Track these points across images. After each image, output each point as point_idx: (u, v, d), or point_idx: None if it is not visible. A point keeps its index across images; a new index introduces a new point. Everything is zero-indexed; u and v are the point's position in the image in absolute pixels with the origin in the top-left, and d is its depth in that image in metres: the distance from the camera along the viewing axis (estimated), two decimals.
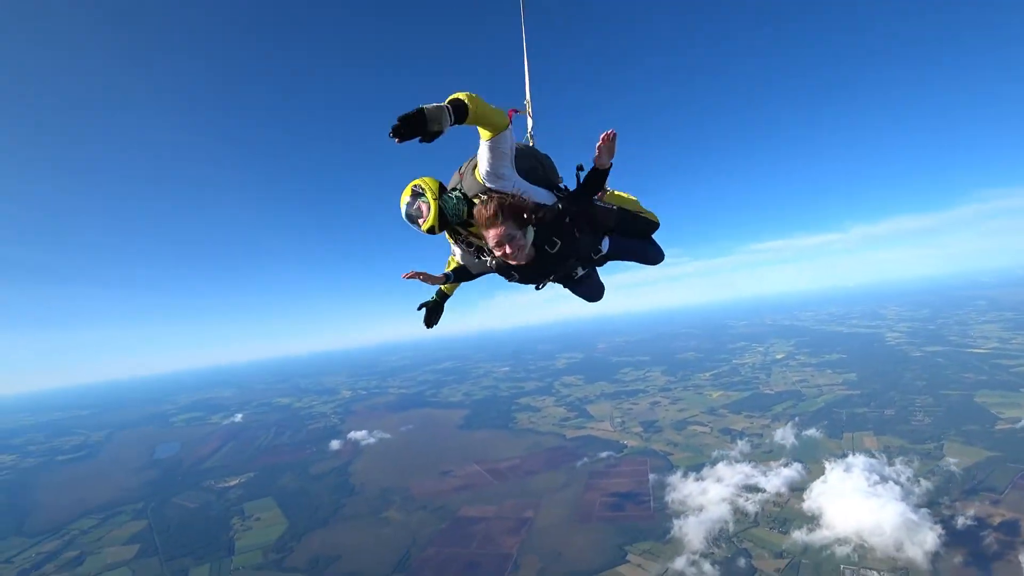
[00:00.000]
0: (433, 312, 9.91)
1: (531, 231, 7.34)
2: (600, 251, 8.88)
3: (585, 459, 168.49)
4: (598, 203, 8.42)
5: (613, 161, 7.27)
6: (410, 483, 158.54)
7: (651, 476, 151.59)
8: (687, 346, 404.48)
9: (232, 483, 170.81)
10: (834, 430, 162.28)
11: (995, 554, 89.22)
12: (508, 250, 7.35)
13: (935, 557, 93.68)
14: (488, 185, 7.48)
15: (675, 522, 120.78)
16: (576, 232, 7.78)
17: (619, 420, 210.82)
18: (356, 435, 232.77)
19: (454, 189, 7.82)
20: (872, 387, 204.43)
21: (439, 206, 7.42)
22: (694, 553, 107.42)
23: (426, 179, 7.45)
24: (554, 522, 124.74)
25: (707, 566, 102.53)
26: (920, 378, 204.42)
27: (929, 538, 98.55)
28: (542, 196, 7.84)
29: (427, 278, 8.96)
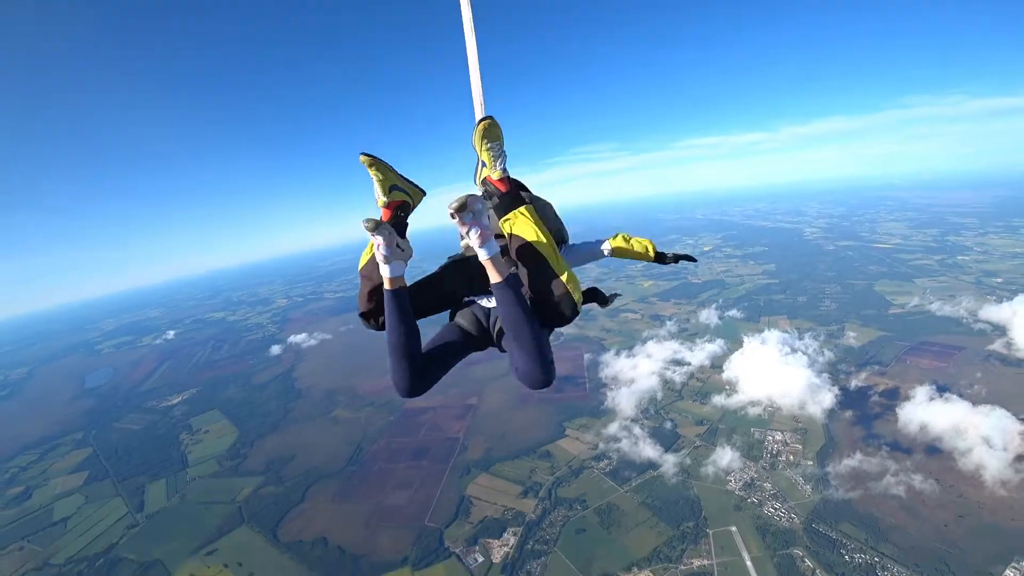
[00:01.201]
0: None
1: None
2: None
3: None
4: None
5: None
6: (355, 383, 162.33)
7: (586, 357, 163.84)
8: None
9: (175, 401, 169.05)
10: (753, 314, 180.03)
11: (876, 414, 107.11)
12: None
13: (830, 414, 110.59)
14: None
15: (608, 394, 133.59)
16: None
17: None
18: (296, 339, 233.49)
19: None
20: (788, 277, 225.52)
21: None
22: (626, 419, 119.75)
23: None
24: (497, 407, 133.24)
25: (637, 429, 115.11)
26: (831, 269, 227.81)
27: (827, 398, 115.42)
28: None
29: None
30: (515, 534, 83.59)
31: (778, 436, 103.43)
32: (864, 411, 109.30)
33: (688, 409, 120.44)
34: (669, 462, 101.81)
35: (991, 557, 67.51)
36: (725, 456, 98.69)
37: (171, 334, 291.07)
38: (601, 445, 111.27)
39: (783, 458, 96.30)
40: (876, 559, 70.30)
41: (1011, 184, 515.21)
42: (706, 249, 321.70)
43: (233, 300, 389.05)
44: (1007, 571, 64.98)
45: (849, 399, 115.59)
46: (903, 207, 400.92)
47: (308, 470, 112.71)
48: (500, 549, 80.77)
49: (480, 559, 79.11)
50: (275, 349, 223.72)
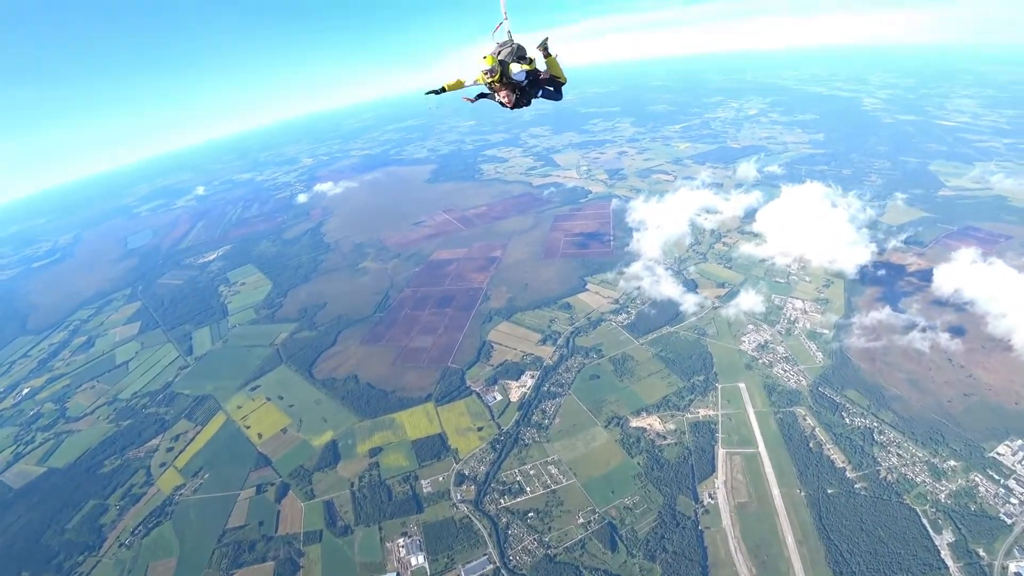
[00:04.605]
0: (436, 92, 18.27)
1: (513, 94, 17.45)
2: (539, 93, 18.32)
3: (551, 204, 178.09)
4: (542, 75, 17.73)
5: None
6: (382, 236, 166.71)
7: (614, 202, 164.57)
8: (660, 98, 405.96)
9: (211, 257, 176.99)
10: (793, 182, 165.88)
11: (905, 292, 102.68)
12: (506, 101, 17.41)
13: (858, 280, 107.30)
14: (512, 73, 16.90)
15: (635, 235, 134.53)
16: (531, 89, 17.79)
17: (585, 168, 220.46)
18: (322, 187, 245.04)
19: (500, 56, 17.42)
20: (837, 148, 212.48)
21: (500, 72, 16.79)
22: (650, 260, 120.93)
23: (493, 58, 16.69)
24: (521, 259, 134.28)
25: (660, 269, 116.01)
26: (885, 143, 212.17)
27: (863, 255, 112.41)
28: (521, 77, 16.98)
29: (469, 99, 18.40)
30: (532, 377, 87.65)
31: (798, 304, 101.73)
32: (892, 287, 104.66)
33: (711, 271, 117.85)
34: (689, 302, 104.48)
35: (987, 433, 67.91)
36: (742, 317, 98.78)
37: (201, 189, 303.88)
38: (623, 284, 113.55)
39: (800, 324, 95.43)
40: (875, 424, 71.58)
41: None
42: (751, 113, 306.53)
43: (260, 161, 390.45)
44: (1000, 447, 65.60)
45: (879, 270, 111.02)
46: (982, 82, 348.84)
47: (339, 316, 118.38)
48: (518, 390, 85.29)
49: (498, 397, 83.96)
50: (301, 197, 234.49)
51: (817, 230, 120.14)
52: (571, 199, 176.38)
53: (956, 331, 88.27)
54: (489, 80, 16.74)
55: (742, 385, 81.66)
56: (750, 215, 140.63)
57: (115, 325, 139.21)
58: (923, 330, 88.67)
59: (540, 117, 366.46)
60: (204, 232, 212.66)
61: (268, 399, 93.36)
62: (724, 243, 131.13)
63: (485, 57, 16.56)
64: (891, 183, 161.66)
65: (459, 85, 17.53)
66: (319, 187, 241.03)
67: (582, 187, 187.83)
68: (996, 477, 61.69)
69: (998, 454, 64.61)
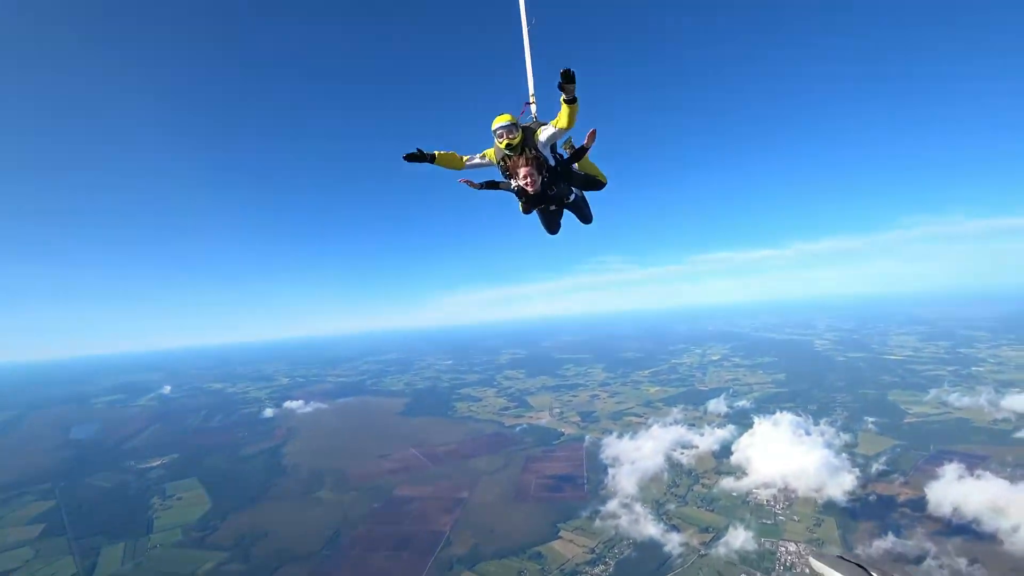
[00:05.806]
0: (418, 159, 13.09)
1: (539, 176, 12.72)
2: (571, 196, 14.16)
3: (523, 445, 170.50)
4: (574, 168, 13.78)
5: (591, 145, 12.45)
6: (344, 465, 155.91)
7: (587, 439, 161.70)
8: (629, 346, 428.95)
9: (154, 464, 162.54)
10: (764, 415, 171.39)
11: (900, 524, 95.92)
12: (529, 181, 12.62)
13: (851, 504, 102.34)
14: (539, 143, 12.98)
15: (610, 471, 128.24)
16: (560, 181, 13.39)
17: (558, 411, 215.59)
18: (291, 404, 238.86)
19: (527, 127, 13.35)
20: (798, 386, 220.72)
21: (523, 137, 12.99)
22: (627, 497, 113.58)
23: (511, 116, 12.86)
24: (489, 501, 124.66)
25: (638, 507, 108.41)
26: (842, 379, 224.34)
27: (848, 480, 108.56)
28: (550, 159, 13.40)
29: (471, 184, 13.93)
30: None
31: (791, 547, 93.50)
32: (887, 518, 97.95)
33: (693, 515, 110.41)
34: (673, 542, 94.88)
35: None
36: (734, 562, 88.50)
37: (167, 389, 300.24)
38: (599, 524, 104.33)
39: (798, 570, 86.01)
40: None
41: (1020, 300, 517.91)
42: (714, 358, 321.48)
43: (236, 373, 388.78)
44: None
45: (870, 496, 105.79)
46: (912, 321, 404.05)
47: (279, 550, 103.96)
48: None
49: None
50: (268, 412, 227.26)
51: (796, 457, 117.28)
52: (544, 440, 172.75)
53: (972, 558, 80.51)
54: (504, 145, 12.75)
55: None
56: (726, 448, 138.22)
57: (15, 524, 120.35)
58: (935, 557, 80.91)
59: (514, 361, 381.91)
60: (156, 435, 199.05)
61: None
62: (704, 484, 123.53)
63: (500, 116, 12.66)
64: (856, 414, 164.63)
65: (455, 160, 13.34)
66: (289, 404, 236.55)
67: (555, 428, 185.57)
68: None
69: None
